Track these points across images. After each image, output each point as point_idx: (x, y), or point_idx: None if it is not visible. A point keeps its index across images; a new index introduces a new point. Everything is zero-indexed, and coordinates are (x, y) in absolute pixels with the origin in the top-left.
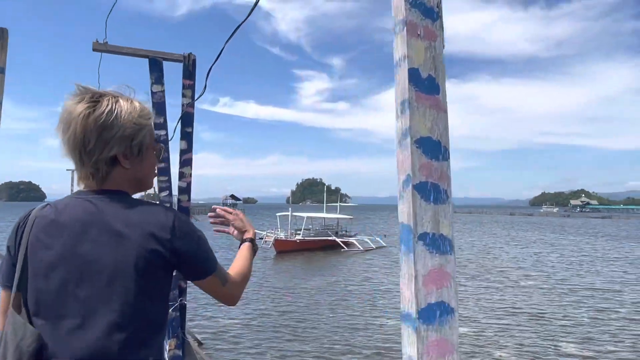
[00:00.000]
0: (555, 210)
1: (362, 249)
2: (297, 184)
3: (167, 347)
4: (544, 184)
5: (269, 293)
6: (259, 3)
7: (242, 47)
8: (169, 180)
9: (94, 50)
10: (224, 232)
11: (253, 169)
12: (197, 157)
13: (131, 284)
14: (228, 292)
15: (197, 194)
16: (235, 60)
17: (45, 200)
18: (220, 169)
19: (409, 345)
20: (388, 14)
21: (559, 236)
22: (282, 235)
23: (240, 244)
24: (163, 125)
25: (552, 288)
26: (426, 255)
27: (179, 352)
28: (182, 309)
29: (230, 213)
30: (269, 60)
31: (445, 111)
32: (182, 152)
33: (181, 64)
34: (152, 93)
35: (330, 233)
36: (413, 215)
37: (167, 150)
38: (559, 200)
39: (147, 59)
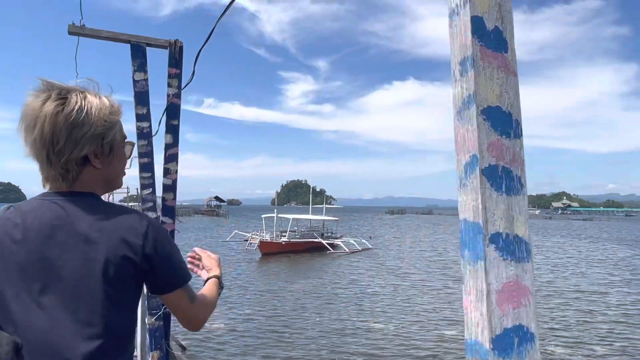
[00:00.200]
0: (537, 212)
1: (347, 250)
2: (282, 185)
3: None
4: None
5: (254, 296)
6: (245, 3)
7: (227, 48)
8: (153, 177)
9: (69, 33)
10: (194, 271)
11: (238, 170)
12: (181, 158)
13: (99, 292)
14: (194, 312)
15: (182, 196)
16: (220, 61)
17: None
18: (205, 170)
19: None
20: (373, 17)
21: (542, 238)
22: (267, 237)
23: (206, 281)
24: (146, 117)
25: (538, 290)
26: (500, 263)
27: None
28: (167, 318)
29: (208, 255)
30: (254, 61)
31: (516, 75)
32: (167, 147)
33: (167, 51)
34: (134, 81)
35: (316, 235)
36: (482, 210)
37: (150, 144)
38: (541, 202)
39: (128, 45)
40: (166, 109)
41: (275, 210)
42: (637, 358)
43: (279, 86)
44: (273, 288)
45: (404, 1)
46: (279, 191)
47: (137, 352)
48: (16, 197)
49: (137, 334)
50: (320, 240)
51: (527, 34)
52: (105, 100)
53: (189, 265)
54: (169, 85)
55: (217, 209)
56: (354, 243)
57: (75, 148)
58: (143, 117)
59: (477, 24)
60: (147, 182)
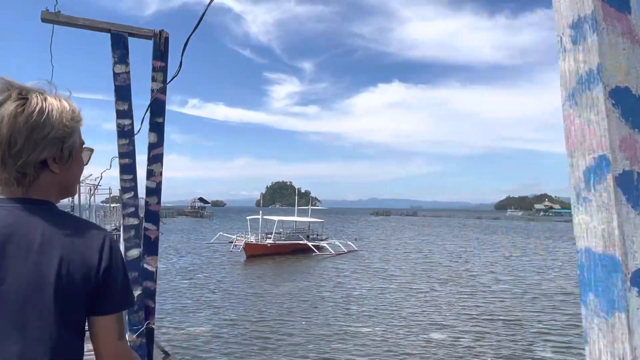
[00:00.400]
0: (520, 214)
1: (333, 252)
2: (267, 186)
3: None
4: (508, 188)
5: (239, 300)
6: (231, 4)
7: (212, 48)
8: (135, 180)
9: (43, 20)
10: None
11: (222, 171)
12: (165, 159)
13: (49, 310)
14: (119, 351)
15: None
16: (204, 62)
17: None
18: (189, 171)
19: None
20: (359, 20)
21: (525, 239)
22: (252, 239)
23: None
24: (127, 114)
25: (524, 293)
26: None
27: None
28: (150, 334)
29: None
30: (239, 62)
31: None
32: (151, 147)
33: (151, 43)
34: (115, 74)
35: (301, 237)
36: (619, 236)
37: (132, 144)
38: (523, 204)
39: (108, 34)
40: (150, 105)
41: (261, 212)
42: None
43: (264, 87)
44: (258, 291)
45: (390, 4)
46: (263, 192)
47: None
48: None
49: None
50: (305, 242)
51: (510, 38)
52: (65, 103)
53: None
54: (153, 80)
55: (201, 210)
56: (340, 245)
57: (35, 151)
58: (124, 114)
59: None
60: (129, 185)
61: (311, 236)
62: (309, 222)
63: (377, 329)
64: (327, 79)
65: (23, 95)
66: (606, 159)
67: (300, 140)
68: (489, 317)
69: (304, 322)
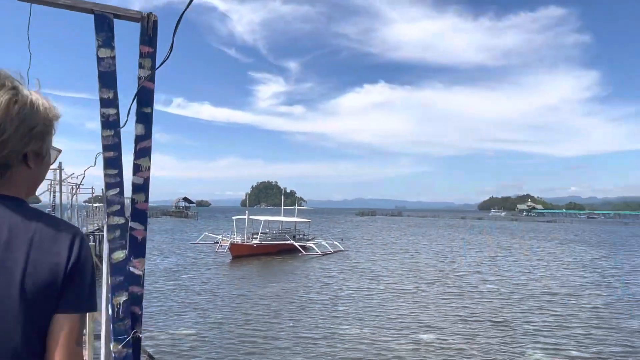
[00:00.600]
0: (503, 214)
1: (320, 253)
2: (252, 186)
3: None
4: (492, 188)
5: (225, 301)
6: (215, 2)
7: (197, 47)
8: (120, 175)
9: None
10: None
11: (207, 171)
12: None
13: (13, 310)
14: (74, 356)
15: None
16: (189, 61)
17: None
18: (173, 171)
19: None
20: (344, 20)
21: (510, 239)
22: (238, 239)
23: None
24: (112, 102)
25: (511, 293)
26: None
27: None
28: (137, 343)
29: None
30: (224, 61)
31: None
32: (138, 139)
33: (138, 26)
34: (99, 59)
35: (288, 237)
36: None
37: (118, 136)
38: (506, 204)
39: (92, 15)
40: (137, 94)
41: (247, 212)
42: None
43: (250, 87)
44: (245, 293)
45: (375, 5)
46: (249, 192)
47: None
48: None
49: None
50: (292, 242)
51: (494, 40)
52: (45, 100)
53: None
54: (141, 67)
55: (186, 210)
56: (326, 245)
57: (21, 142)
58: (109, 103)
59: None
60: (114, 181)
61: (297, 236)
62: (296, 222)
63: (365, 330)
64: (312, 79)
65: (14, 85)
66: None
67: (285, 140)
68: (478, 318)
69: (291, 324)
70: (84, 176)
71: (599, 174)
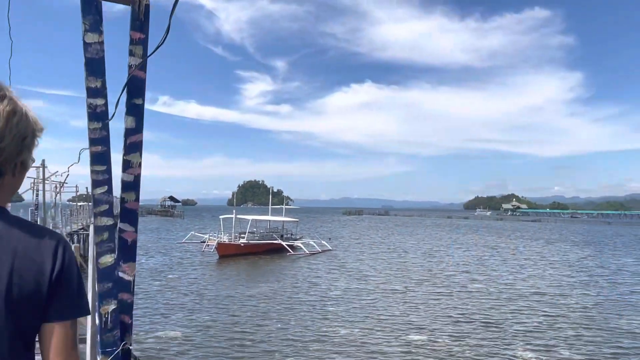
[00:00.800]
0: (489, 213)
1: (308, 252)
2: (239, 185)
3: None
4: (477, 188)
5: (213, 302)
6: (203, 0)
7: (184, 45)
8: (109, 172)
9: None
10: None
11: (194, 170)
12: None
13: (1, 321)
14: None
15: None
16: (175, 59)
17: None
18: (159, 169)
19: None
20: (332, 19)
21: (497, 239)
22: (225, 239)
23: None
24: (100, 92)
25: (499, 293)
26: None
27: None
28: (126, 356)
29: None
30: (211, 59)
31: None
32: (128, 133)
33: (129, 11)
34: (86, 45)
35: (275, 236)
36: None
37: (106, 129)
38: (491, 204)
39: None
40: (127, 84)
41: (234, 211)
42: None
43: (237, 85)
44: (232, 293)
45: (363, 5)
46: (235, 191)
47: None
48: None
49: None
50: (280, 241)
51: (480, 41)
52: (33, 112)
53: None
54: (131, 54)
55: (172, 209)
56: (314, 244)
57: (15, 151)
58: (96, 92)
59: None
60: (101, 178)
61: (285, 236)
62: (283, 221)
63: (355, 331)
64: (300, 78)
65: (12, 96)
66: None
67: (272, 139)
68: (467, 319)
69: (280, 324)
70: (67, 174)
71: (582, 174)
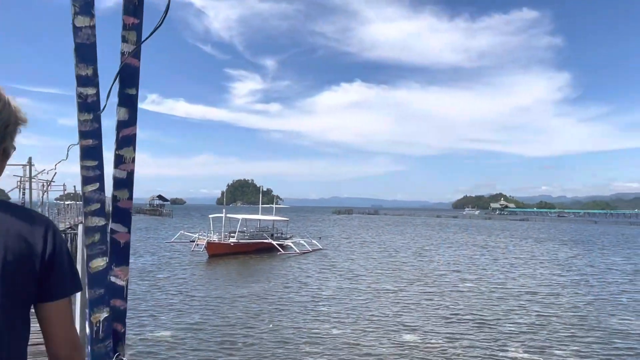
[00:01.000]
0: (477, 212)
1: (298, 251)
2: (228, 184)
3: None
4: (465, 187)
5: (203, 302)
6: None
7: (172, 43)
8: (100, 167)
9: None
10: None
11: (182, 169)
12: None
13: None
14: (74, 335)
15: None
16: (164, 57)
17: None
18: (148, 168)
19: None
20: (321, 19)
21: (486, 238)
22: (215, 238)
23: None
24: (91, 81)
25: (491, 292)
26: None
27: None
28: None
29: None
30: (200, 58)
31: None
32: (121, 125)
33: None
34: (76, 29)
35: (266, 235)
36: None
37: (97, 120)
38: (480, 203)
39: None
40: (119, 73)
41: (224, 210)
42: None
43: (226, 84)
44: (222, 293)
45: (353, 4)
46: (224, 190)
47: None
48: None
49: None
50: (270, 241)
51: (469, 41)
52: (14, 100)
53: None
54: (124, 40)
55: (161, 208)
56: (305, 244)
57: (2, 136)
58: (87, 81)
59: None
60: (92, 174)
61: (275, 235)
62: (274, 220)
63: (347, 331)
64: (289, 77)
65: None
66: None
67: (262, 138)
68: (459, 318)
69: (271, 325)
70: (55, 172)
71: (569, 174)
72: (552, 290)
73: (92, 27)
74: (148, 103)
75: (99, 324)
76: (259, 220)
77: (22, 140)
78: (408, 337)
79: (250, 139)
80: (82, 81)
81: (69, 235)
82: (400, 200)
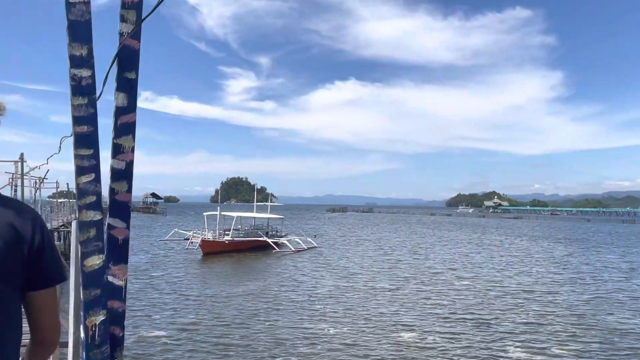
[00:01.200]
0: (471, 210)
1: (293, 249)
2: (222, 182)
3: None
4: (459, 185)
5: (198, 301)
6: None
7: (166, 41)
8: (96, 156)
9: None
10: None
11: (176, 166)
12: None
13: None
14: (58, 323)
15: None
16: (158, 54)
17: None
18: (141, 166)
19: None
20: (316, 16)
21: (481, 236)
22: (209, 236)
23: None
24: (86, 62)
25: (488, 290)
26: None
27: None
28: None
29: None
30: (194, 55)
31: None
32: (119, 112)
33: None
34: (69, 5)
35: (260, 233)
36: None
37: (93, 105)
38: (473, 201)
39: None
40: (117, 55)
41: (219, 208)
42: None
43: (220, 81)
44: (217, 292)
45: (347, 2)
46: (218, 188)
47: None
48: None
49: None
50: (265, 239)
51: (463, 39)
52: None
53: None
54: (123, 20)
55: (154, 206)
56: (300, 242)
57: None
58: (81, 62)
59: None
60: (87, 164)
61: (270, 233)
62: (268, 218)
63: (345, 330)
64: (283, 74)
65: None
66: None
67: (256, 135)
68: (457, 317)
69: (267, 324)
70: (47, 169)
71: (561, 172)
72: (549, 289)
73: (87, 4)
74: (141, 100)
75: (95, 328)
76: (254, 218)
77: (14, 137)
78: (406, 335)
79: (244, 136)
80: (75, 62)
81: (62, 233)
82: (394, 198)
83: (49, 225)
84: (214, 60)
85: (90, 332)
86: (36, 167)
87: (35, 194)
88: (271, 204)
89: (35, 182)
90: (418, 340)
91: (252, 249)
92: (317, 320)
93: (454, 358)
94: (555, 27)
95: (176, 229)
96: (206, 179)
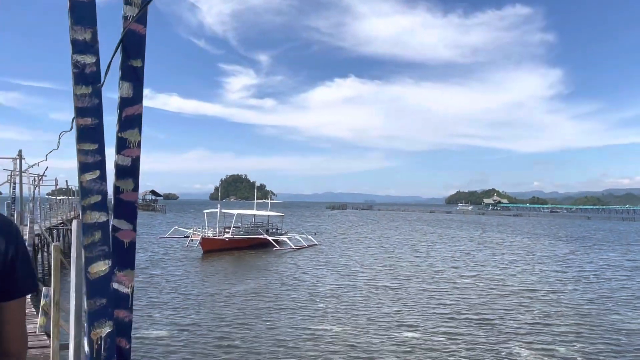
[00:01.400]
0: (470, 208)
1: (293, 247)
2: (221, 180)
3: None
4: (458, 183)
5: (198, 300)
6: None
7: (165, 38)
8: (101, 151)
9: None
10: None
11: (176, 164)
12: (113, 151)
13: None
14: (25, 334)
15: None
16: (157, 51)
17: None
18: (141, 163)
19: None
20: (315, 14)
21: (482, 233)
22: (209, 234)
23: None
24: (90, 48)
25: (490, 289)
26: None
27: None
28: None
29: None
30: (193, 52)
31: None
32: (124, 103)
33: None
34: None
35: (261, 231)
36: None
37: (98, 95)
38: (473, 199)
39: None
40: (121, 41)
41: (219, 206)
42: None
43: (219, 79)
44: (218, 290)
45: None
46: (218, 186)
47: None
48: None
49: None
50: (265, 236)
51: (462, 37)
52: None
53: None
54: (127, 3)
55: (154, 203)
56: (300, 239)
57: None
58: (85, 47)
59: None
60: (92, 160)
61: (271, 230)
62: (269, 215)
63: (347, 328)
64: (283, 72)
65: None
66: None
67: (255, 133)
68: (460, 316)
69: (269, 323)
70: (46, 166)
71: (561, 169)
72: (552, 287)
73: None
74: None
75: (101, 341)
76: (254, 215)
77: (13, 135)
78: (409, 334)
79: (243, 134)
80: (78, 47)
81: (61, 230)
82: (393, 195)
83: (48, 223)
84: (213, 58)
85: (96, 346)
86: (35, 164)
87: (34, 191)
88: (271, 201)
89: (34, 179)
90: (422, 341)
91: (252, 246)
92: (319, 319)
93: (459, 358)
94: (555, 24)
95: (176, 227)
96: (206, 176)
